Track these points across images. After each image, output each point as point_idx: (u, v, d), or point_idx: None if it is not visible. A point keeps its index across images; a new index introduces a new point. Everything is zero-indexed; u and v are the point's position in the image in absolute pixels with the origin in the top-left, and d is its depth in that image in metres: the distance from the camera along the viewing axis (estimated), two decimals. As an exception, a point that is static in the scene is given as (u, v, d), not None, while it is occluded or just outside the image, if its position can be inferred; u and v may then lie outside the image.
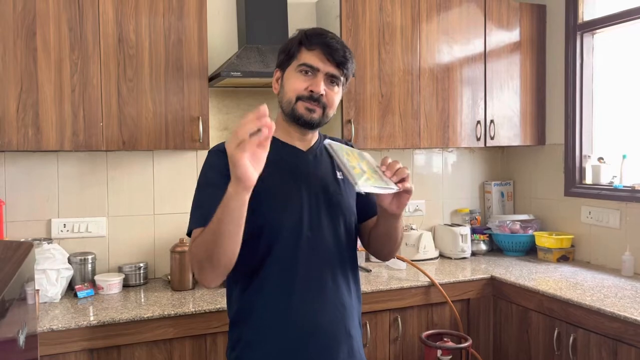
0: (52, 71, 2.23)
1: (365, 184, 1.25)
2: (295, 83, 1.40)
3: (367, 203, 1.55)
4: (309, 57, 1.39)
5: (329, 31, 1.44)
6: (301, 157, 1.46)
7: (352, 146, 1.52)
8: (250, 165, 1.11)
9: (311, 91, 1.38)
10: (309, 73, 1.39)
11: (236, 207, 1.16)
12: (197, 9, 2.45)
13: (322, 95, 1.38)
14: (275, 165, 1.28)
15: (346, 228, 1.48)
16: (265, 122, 1.08)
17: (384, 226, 1.47)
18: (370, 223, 1.56)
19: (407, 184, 1.33)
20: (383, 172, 1.34)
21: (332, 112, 1.43)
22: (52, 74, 2.23)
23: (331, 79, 1.40)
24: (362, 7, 2.76)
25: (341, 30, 2.72)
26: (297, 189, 1.42)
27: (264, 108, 1.09)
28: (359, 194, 1.52)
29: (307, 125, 1.41)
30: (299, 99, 1.39)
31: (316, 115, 1.40)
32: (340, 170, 1.37)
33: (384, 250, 1.57)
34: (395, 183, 1.32)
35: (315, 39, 1.39)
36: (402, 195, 1.34)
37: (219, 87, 2.75)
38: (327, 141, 1.34)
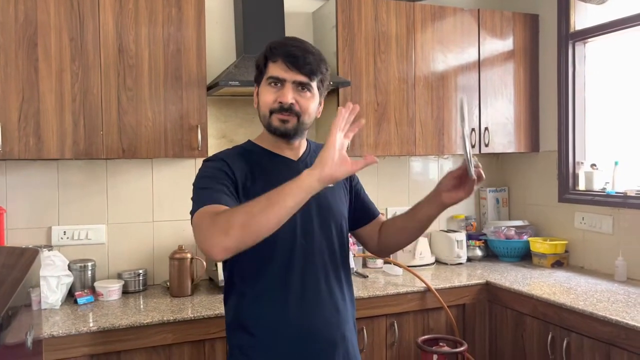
0: (53, 81, 2.27)
1: (466, 138, 1.37)
2: (265, 96, 1.43)
3: (367, 208, 1.64)
4: (274, 69, 1.41)
5: (294, 38, 1.46)
6: (292, 167, 1.48)
7: None
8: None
9: (280, 102, 1.40)
10: (278, 85, 1.41)
11: (309, 187, 1.17)
12: (196, 20, 2.49)
13: (292, 104, 1.40)
14: (267, 175, 1.30)
15: (337, 232, 1.52)
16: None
17: (423, 214, 1.47)
18: (373, 226, 1.63)
19: (477, 177, 1.34)
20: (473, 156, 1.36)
21: (307, 118, 1.44)
22: (53, 84, 2.27)
23: (301, 86, 1.41)
24: (357, 17, 2.80)
25: (337, 39, 2.76)
26: None
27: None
28: (357, 197, 1.62)
29: (283, 136, 1.44)
30: (272, 112, 1.42)
31: (290, 125, 1.42)
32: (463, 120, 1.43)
33: (404, 241, 1.60)
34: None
35: (278, 50, 1.41)
36: (465, 189, 1.37)
37: (217, 95, 2.79)
38: (463, 99, 1.46)
